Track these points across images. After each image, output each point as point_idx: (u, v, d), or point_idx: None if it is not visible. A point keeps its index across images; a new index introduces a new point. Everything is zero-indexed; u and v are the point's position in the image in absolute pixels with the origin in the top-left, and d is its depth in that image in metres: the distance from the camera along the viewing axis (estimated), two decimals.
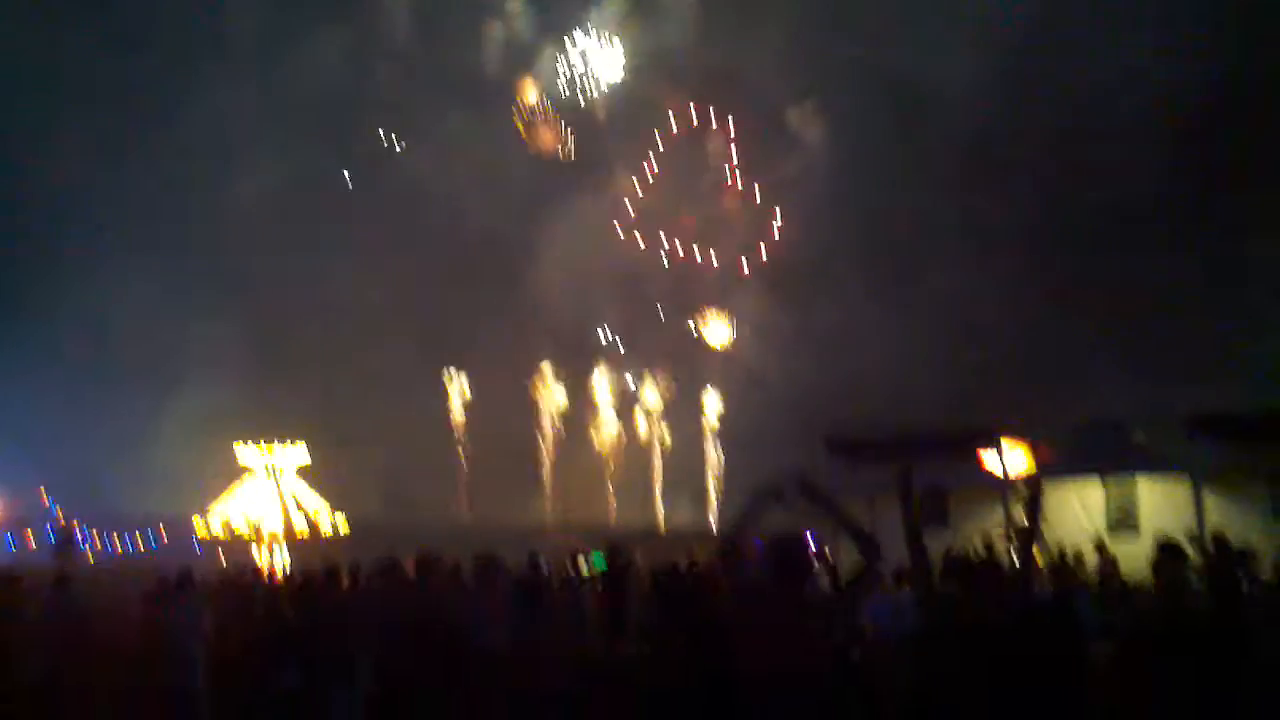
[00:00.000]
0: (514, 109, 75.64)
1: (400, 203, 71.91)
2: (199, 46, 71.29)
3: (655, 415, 76.38)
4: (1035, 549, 17.86)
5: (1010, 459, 19.87)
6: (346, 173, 73.76)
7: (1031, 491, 6.49)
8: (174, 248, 68.33)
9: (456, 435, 75.50)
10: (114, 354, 65.31)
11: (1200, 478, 17.98)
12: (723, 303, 75.57)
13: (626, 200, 75.88)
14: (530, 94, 76.17)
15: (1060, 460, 19.65)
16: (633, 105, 76.50)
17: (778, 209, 73.43)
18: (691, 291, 76.40)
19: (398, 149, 74.65)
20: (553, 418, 76.36)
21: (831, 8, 66.77)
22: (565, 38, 76.22)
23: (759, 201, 74.17)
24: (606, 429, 76.58)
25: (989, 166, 61.55)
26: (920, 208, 63.82)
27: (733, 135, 74.79)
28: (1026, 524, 6.14)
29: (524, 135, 75.90)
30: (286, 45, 71.34)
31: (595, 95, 76.50)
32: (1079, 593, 14.98)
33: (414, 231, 70.77)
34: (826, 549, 16.51)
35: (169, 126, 68.71)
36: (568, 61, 76.14)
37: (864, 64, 65.15)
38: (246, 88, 69.83)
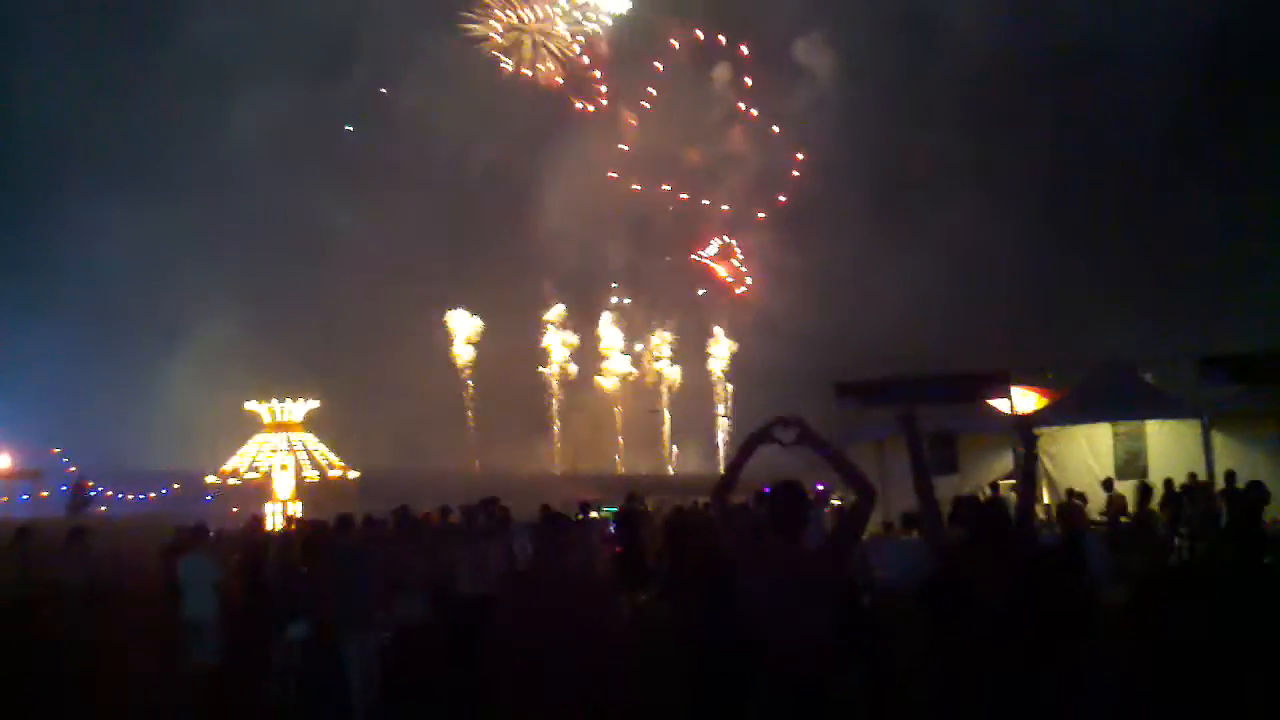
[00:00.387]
0: (490, 35, 73.84)
1: (399, 145, 71.27)
2: None
3: (663, 361, 76.15)
4: (1041, 489, 17.85)
5: (1018, 403, 19.85)
6: (349, 127, 73.00)
7: (1023, 431, 6.39)
8: (174, 199, 67.94)
9: (462, 379, 75.42)
10: (122, 311, 65.45)
11: (1209, 420, 17.90)
12: (732, 239, 75.08)
13: (631, 136, 75.06)
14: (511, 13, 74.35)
15: (1069, 405, 19.60)
16: (638, 37, 75.22)
17: (793, 144, 72.60)
18: (700, 231, 75.83)
19: (393, 90, 73.63)
20: (560, 365, 76.26)
21: None
22: None
23: (775, 129, 72.99)
24: (613, 376, 76.45)
25: (999, 108, 60.99)
26: (931, 147, 63.23)
27: (743, 55, 73.39)
28: (1023, 465, 6.07)
29: (504, 63, 74.38)
30: None
31: (597, 28, 75.25)
32: (1087, 535, 15.05)
33: (414, 175, 70.24)
34: (840, 499, 16.49)
35: (167, 68, 68.11)
36: None
37: None
38: (243, 21, 68.97)
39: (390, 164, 70.92)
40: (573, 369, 76.10)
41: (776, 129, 72.33)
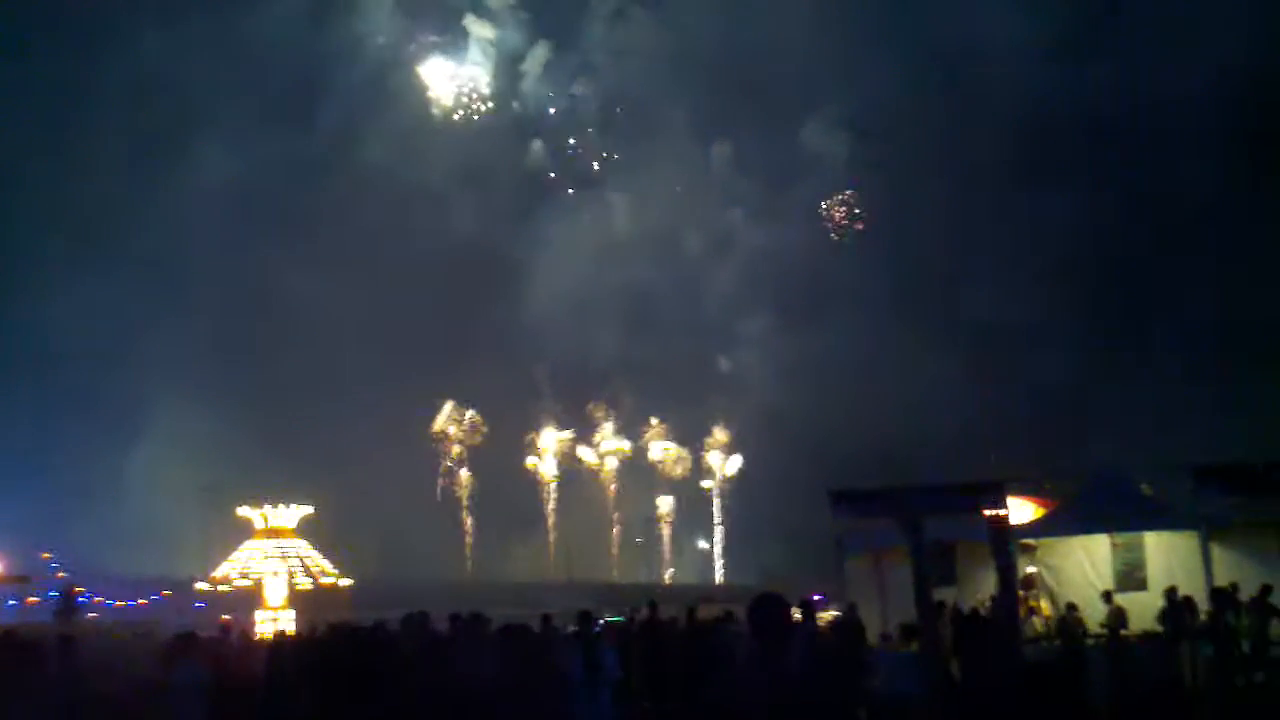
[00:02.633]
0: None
1: (375, 211, 70.93)
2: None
3: (658, 463, 74.87)
4: (1039, 603, 17.71)
5: (1014, 514, 19.74)
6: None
7: (995, 542, 6.42)
8: (130, 276, 67.14)
9: (454, 484, 74.12)
10: (110, 414, 64.77)
11: (1207, 531, 17.78)
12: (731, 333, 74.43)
13: (627, 224, 75.24)
14: None
15: (1066, 516, 19.50)
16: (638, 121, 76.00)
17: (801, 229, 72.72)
18: (699, 323, 75.21)
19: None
20: (551, 476, 75.03)
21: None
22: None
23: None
24: (607, 480, 75.40)
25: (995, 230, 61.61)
26: (934, 258, 63.81)
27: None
28: (1002, 579, 6.09)
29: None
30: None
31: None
32: (1088, 650, 14.91)
33: (391, 246, 69.74)
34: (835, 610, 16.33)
35: (116, 136, 67.75)
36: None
37: (886, 82, 65.12)
38: (201, 79, 68.96)
39: (364, 232, 70.15)
40: (564, 473, 74.91)
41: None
